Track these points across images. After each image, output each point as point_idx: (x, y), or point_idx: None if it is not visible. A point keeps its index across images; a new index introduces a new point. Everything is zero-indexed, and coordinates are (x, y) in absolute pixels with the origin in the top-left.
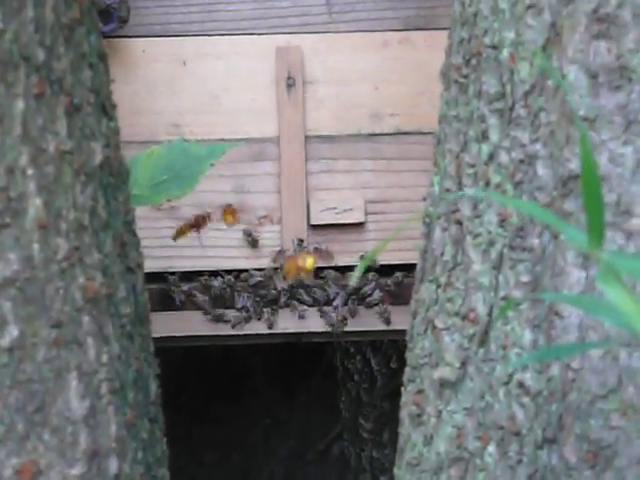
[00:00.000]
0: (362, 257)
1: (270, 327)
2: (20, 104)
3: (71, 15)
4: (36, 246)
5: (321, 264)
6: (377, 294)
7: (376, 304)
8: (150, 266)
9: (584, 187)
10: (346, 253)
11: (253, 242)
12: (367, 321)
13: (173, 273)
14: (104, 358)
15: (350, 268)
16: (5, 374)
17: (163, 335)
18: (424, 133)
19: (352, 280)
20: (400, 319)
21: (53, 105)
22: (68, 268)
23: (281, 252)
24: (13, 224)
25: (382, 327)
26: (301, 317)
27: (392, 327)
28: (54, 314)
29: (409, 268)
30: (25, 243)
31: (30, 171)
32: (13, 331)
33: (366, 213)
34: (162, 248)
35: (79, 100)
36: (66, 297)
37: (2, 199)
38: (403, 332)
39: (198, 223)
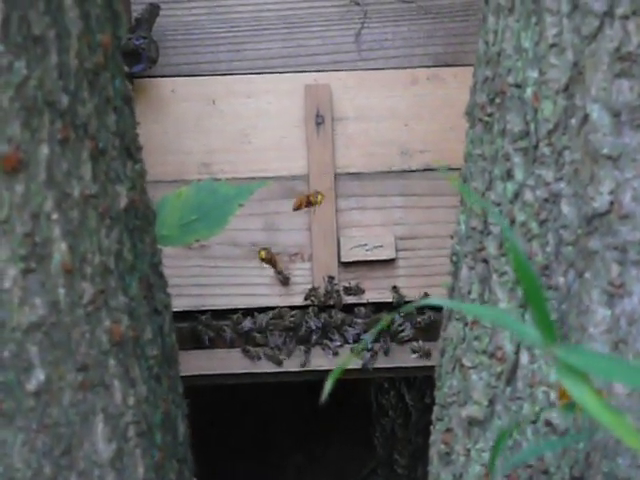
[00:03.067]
0: (393, 289)
1: (303, 365)
2: (45, 149)
3: (95, 60)
4: (62, 290)
5: (352, 301)
6: (409, 330)
7: (408, 340)
8: (181, 304)
9: (525, 292)
10: (377, 290)
11: (284, 280)
12: (400, 357)
13: (205, 312)
14: (131, 401)
15: (381, 305)
16: (32, 418)
17: (195, 373)
18: (454, 169)
19: (324, 393)
20: (434, 355)
21: (78, 150)
22: (94, 312)
23: (313, 289)
24: (39, 269)
25: (415, 363)
26: (334, 354)
27: (425, 363)
28: (80, 358)
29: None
30: (51, 288)
31: (55, 216)
32: (39, 375)
33: (397, 249)
34: (193, 287)
35: (104, 144)
36: (92, 341)
37: (27, 244)
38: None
39: (310, 201)
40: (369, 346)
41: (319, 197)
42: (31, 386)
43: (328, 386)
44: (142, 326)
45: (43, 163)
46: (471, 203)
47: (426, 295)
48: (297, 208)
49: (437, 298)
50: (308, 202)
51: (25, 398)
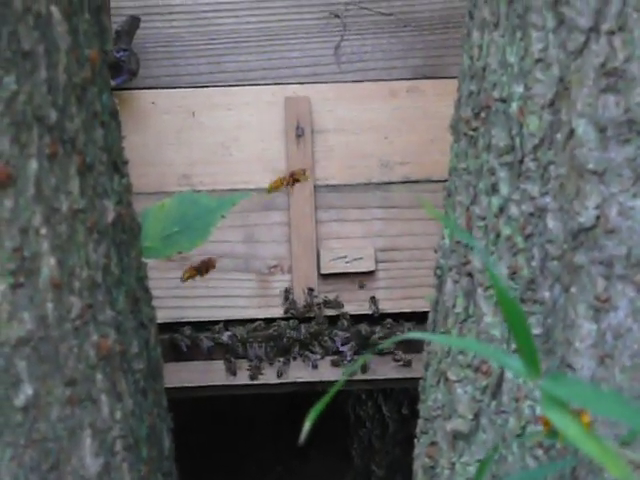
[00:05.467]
0: (372, 299)
1: (282, 377)
2: (33, 164)
3: (83, 75)
4: (50, 305)
5: (332, 313)
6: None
7: (389, 352)
8: (162, 317)
9: (508, 321)
10: (357, 302)
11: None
12: (380, 369)
13: (185, 324)
14: (118, 415)
15: (361, 317)
16: (20, 433)
17: (175, 386)
18: (434, 181)
19: (304, 432)
20: (413, 367)
21: (66, 165)
22: (82, 326)
23: (292, 302)
24: (27, 284)
25: (395, 375)
26: (314, 367)
27: (404, 375)
28: (68, 372)
29: (418, 316)
30: (39, 302)
31: (44, 230)
32: (27, 390)
33: (376, 261)
34: (174, 298)
35: (91, 159)
36: (80, 355)
37: (16, 259)
38: (415, 380)
39: (203, 268)
40: (349, 358)
41: (305, 174)
42: (19, 401)
43: (307, 426)
44: (129, 340)
45: (32, 178)
46: (450, 232)
47: (406, 321)
48: (275, 188)
49: (419, 332)
50: (293, 180)
51: (13, 413)
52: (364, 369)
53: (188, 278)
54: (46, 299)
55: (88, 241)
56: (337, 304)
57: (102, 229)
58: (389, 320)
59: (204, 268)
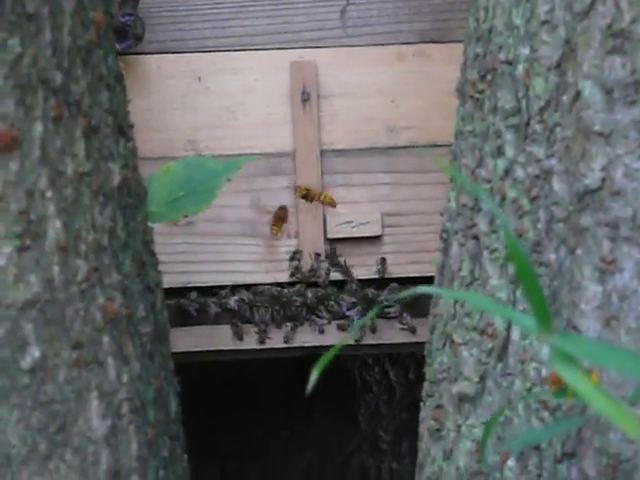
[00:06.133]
0: (382, 260)
1: (289, 342)
2: (39, 127)
3: (88, 37)
4: (56, 268)
5: (338, 278)
6: (395, 306)
7: (395, 317)
8: (168, 281)
9: (520, 279)
10: (363, 266)
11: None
12: (386, 333)
13: (191, 289)
14: (124, 378)
15: (368, 281)
16: (27, 395)
17: (181, 350)
18: (439, 146)
19: (311, 383)
20: (419, 331)
21: (71, 127)
22: (88, 289)
23: (298, 267)
24: (33, 246)
25: (401, 339)
26: (320, 331)
27: (411, 339)
28: (75, 335)
29: (424, 281)
30: (45, 265)
31: (49, 193)
32: (34, 352)
33: (383, 226)
34: (180, 264)
35: (97, 122)
36: (86, 318)
37: (22, 222)
38: (422, 344)
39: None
40: (355, 321)
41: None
42: (26, 363)
43: (314, 376)
44: (135, 303)
45: (37, 141)
46: (460, 184)
47: (412, 286)
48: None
49: (428, 286)
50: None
51: (20, 375)
52: (373, 330)
53: (278, 232)
54: (52, 262)
55: (94, 204)
56: (345, 269)
57: (108, 192)
58: (395, 284)
59: (282, 217)
